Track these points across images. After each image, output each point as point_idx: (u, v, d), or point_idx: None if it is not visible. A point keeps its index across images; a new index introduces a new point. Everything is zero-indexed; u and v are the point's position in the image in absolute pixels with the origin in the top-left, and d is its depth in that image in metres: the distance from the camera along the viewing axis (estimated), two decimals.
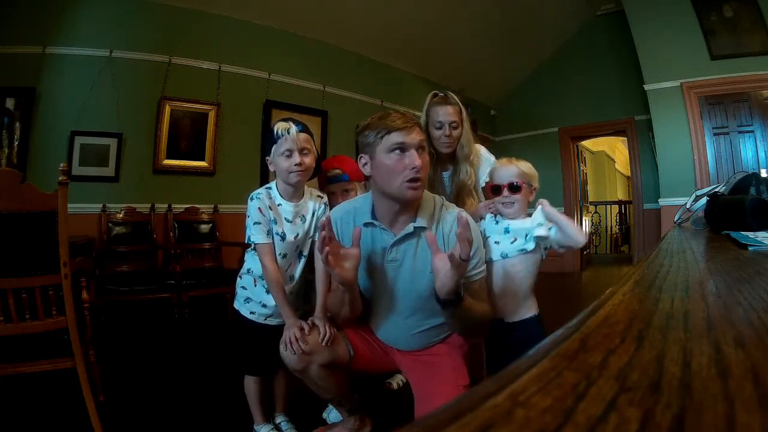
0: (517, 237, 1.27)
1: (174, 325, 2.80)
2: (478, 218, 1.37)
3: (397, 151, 1.05)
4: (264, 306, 1.36)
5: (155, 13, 3.42)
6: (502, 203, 1.30)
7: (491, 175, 1.38)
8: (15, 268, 1.30)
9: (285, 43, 4.09)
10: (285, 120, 1.32)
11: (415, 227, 1.11)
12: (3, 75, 2.90)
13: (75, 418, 1.44)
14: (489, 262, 1.26)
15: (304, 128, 1.32)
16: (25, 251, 1.33)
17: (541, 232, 1.22)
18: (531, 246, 1.25)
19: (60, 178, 1.34)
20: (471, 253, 1.07)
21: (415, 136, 1.07)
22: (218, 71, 3.71)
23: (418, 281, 1.11)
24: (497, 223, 1.32)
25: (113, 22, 3.28)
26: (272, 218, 1.31)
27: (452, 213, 1.14)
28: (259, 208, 1.29)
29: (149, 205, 3.34)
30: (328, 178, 1.53)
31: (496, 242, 1.30)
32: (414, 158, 1.04)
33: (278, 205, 1.33)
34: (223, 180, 3.67)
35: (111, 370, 1.94)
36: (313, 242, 1.37)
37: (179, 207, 3.42)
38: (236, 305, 1.42)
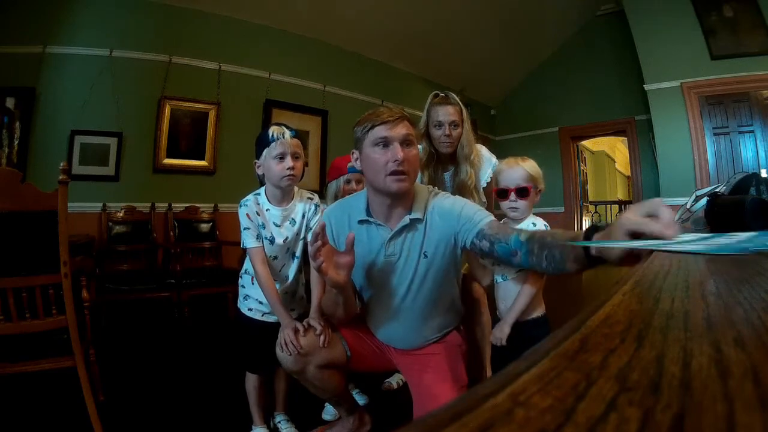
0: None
1: (174, 324, 2.80)
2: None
3: (381, 145, 1.06)
4: (260, 303, 1.39)
5: (155, 13, 3.43)
6: (509, 208, 1.30)
7: (497, 176, 1.37)
8: (15, 268, 1.30)
9: (285, 43, 4.09)
10: (278, 125, 1.36)
11: (411, 219, 1.11)
12: (3, 75, 2.90)
13: (75, 418, 1.44)
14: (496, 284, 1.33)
15: (296, 134, 1.38)
16: (26, 251, 1.33)
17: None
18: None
19: (60, 178, 1.34)
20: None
21: (400, 130, 1.06)
22: (218, 71, 3.71)
23: (411, 269, 1.13)
24: None
25: (113, 22, 3.28)
26: (260, 223, 1.35)
27: (440, 198, 1.16)
28: (247, 214, 1.34)
29: (149, 204, 3.34)
30: (349, 168, 1.63)
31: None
32: (396, 151, 1.04)
33: (266, 210, 1.38)
34: (223, 179, 3.68)
35: (111, 369, 1.94)
36: (305, 243, 1.40)
37: (179, 206, 3.43)
38: (238, 303, 1.47)
